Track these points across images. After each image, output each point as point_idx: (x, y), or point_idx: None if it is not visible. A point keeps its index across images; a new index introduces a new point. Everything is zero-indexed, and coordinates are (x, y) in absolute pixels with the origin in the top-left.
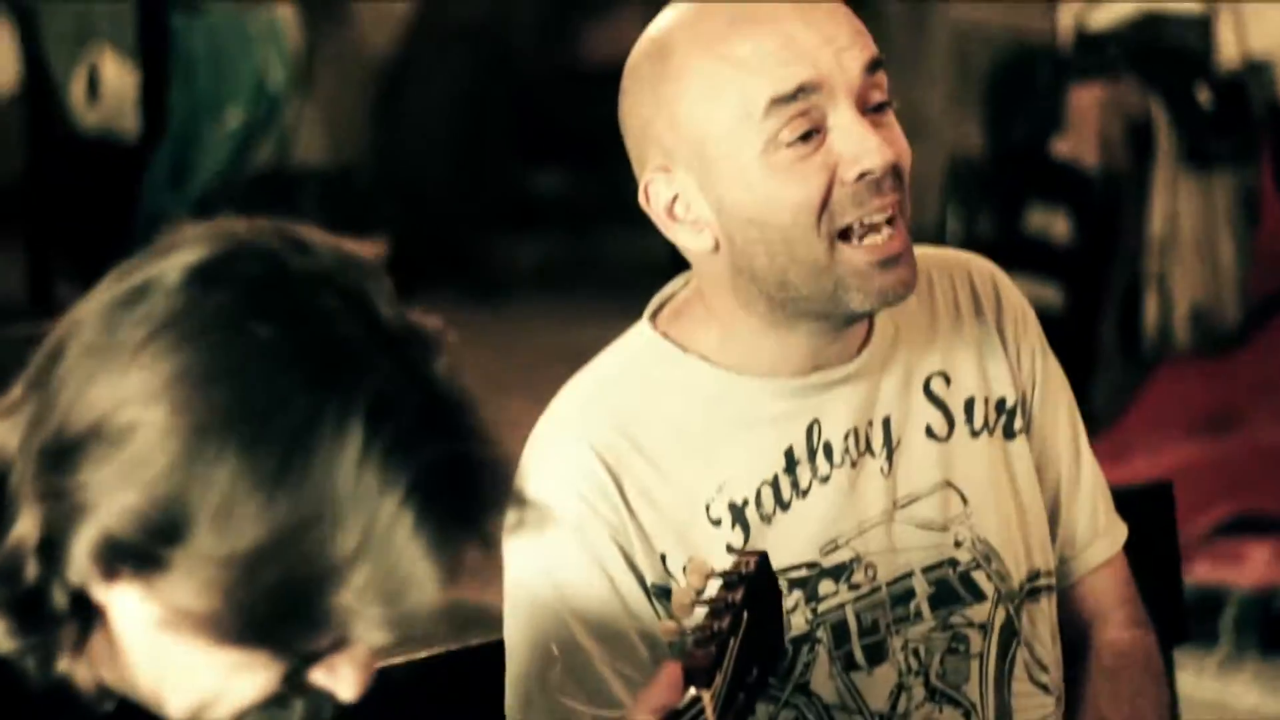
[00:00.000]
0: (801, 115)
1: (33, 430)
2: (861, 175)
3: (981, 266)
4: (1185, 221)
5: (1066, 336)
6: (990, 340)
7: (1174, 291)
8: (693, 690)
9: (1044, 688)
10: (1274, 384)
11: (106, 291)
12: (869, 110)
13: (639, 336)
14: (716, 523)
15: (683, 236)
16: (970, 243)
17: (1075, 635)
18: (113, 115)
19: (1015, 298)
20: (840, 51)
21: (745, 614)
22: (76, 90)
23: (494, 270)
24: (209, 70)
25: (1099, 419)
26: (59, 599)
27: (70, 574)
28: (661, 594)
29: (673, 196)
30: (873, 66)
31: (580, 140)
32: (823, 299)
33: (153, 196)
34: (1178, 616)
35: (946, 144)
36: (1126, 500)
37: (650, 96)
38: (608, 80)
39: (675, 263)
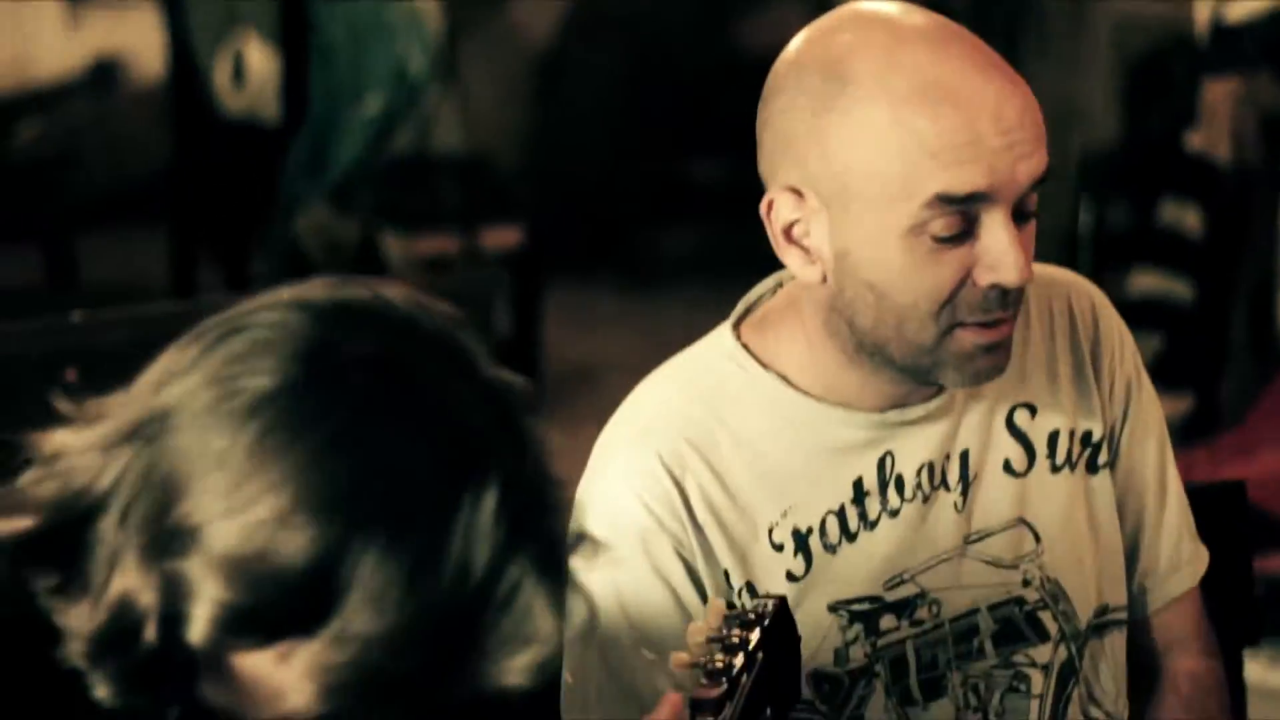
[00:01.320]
0: (960, 216)
1: (140, 490)
2: (994, 285)
3: (1082, 290)
4: None
5: (1197, 330)
6: (1083, 370)
7: None
8: None
9: None
10: None
11: (210, 352)
12: (1019, 219)
13: (720, 344)
14: (779, 548)
15: (792, 259)
16: (1102, 234)
17: (1148, 663)
18: (256, 101)
19: (1114, 323)
20: (1019, 160)
21: (760, 654)
22: (221, 76)
23: (648, 258)
24: (349, 57)
25: (1228, 414)
26: (175, 661)
27: (192, 639)
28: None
29: (795, 220)
30: (1039, 181)
31: (737, 129)
32: (915, 368)
33: (291, 182)
34: (1250, 618)
35: (1093, 135)
36: (1200, 498)
37: (808, 114)
38: (765, 70)
39: None
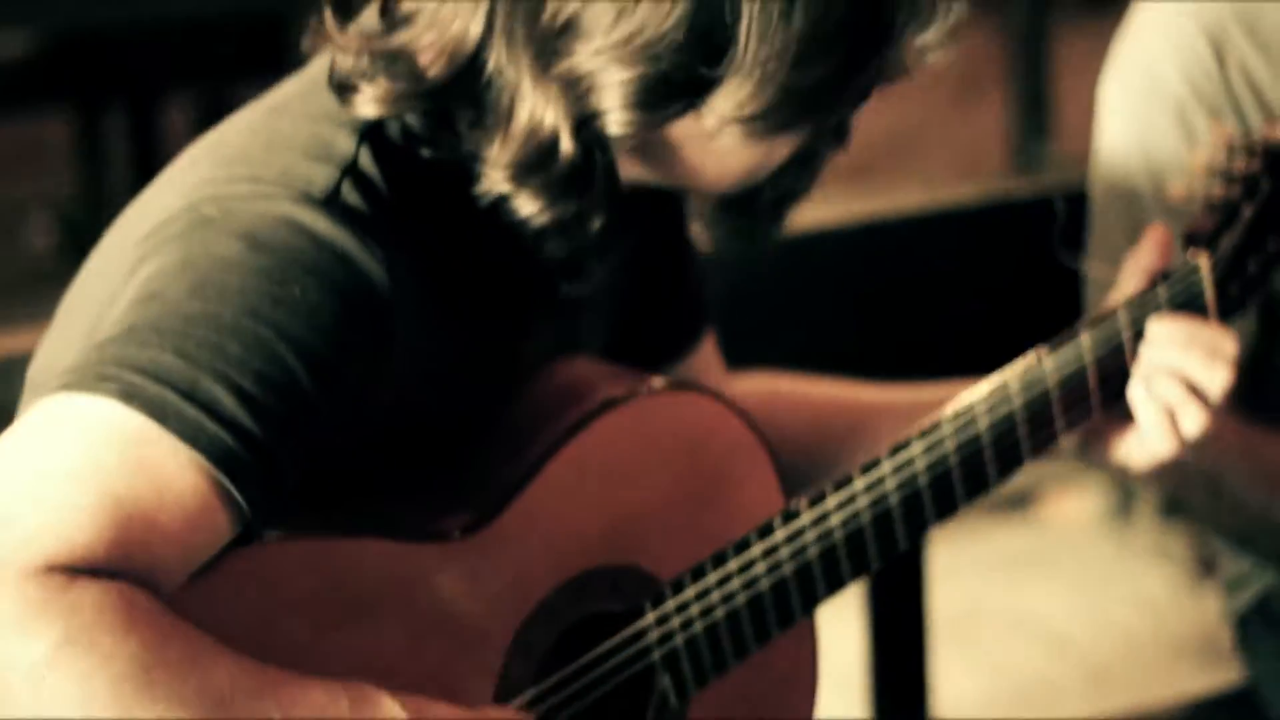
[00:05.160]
0: None
1: (519, 10)
2: None
3: None
4: None
5: None
6: None
7: None
8: (1191, 253)
9: None
10: None
11: None
12: None
13: None
14: None
15: None
16: None
17: None
18: None
19: None
20: None
21: (1263, 183)
22: None
23: None
24: None
25: None
26: (595, 168)
27: (612, 130)
28: None
29: None
30: None
31: None
32: None
33: None
34: None
35: None
36: None
37: None
38: None
39: None
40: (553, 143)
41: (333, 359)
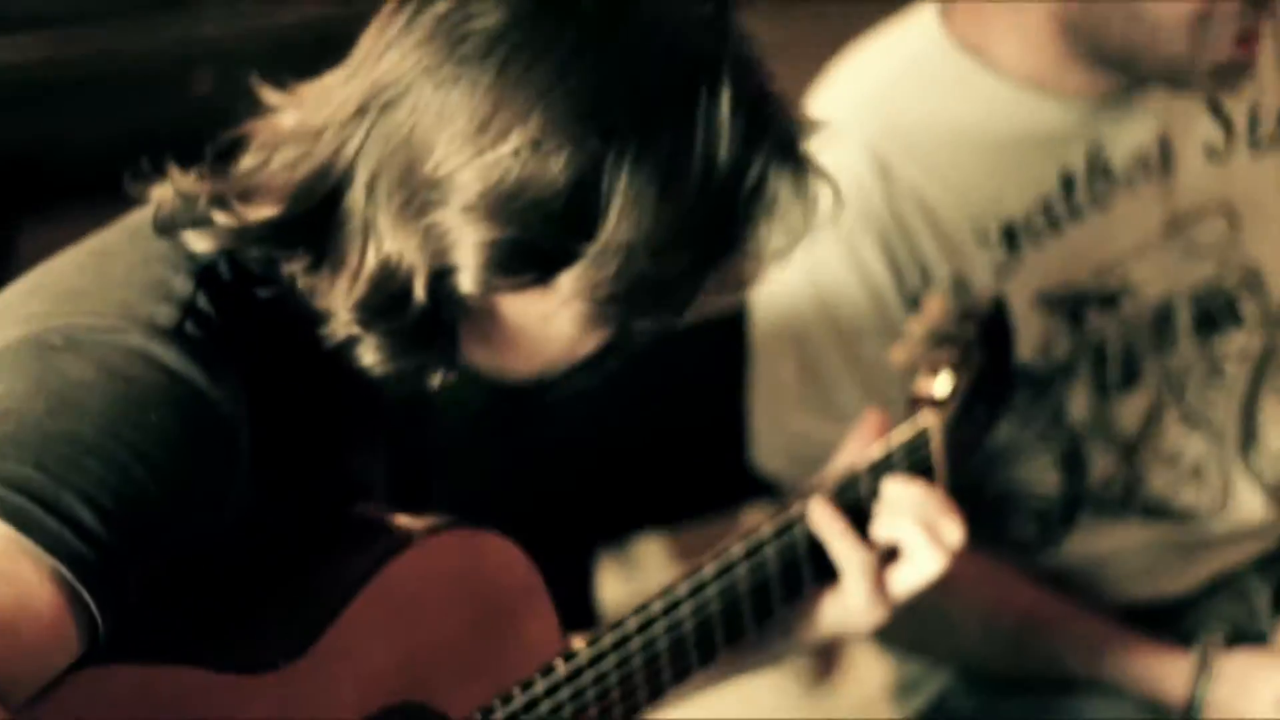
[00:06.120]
0: None
1: (385, 157)
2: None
3: None
4: None
5: None
6: None
7: None
8: (919, 418)
9: None
10: None
11: (421, 13)
12: None
13: (927, 32)
14: (986, 238)
15: None
16: None
17: None
18: None
19: None
20: None
21: (975, 351)
22: None
23: None
24: None
25: None
26: (444, 320)
27: (464, 288)
28: (915, 304)
29: None
30: None
31: None
32: (1160, 77)
33: None
34: None
35: None
36: None
37: None
38: None
39: None
40: (405, 290)
41: (185, 484)
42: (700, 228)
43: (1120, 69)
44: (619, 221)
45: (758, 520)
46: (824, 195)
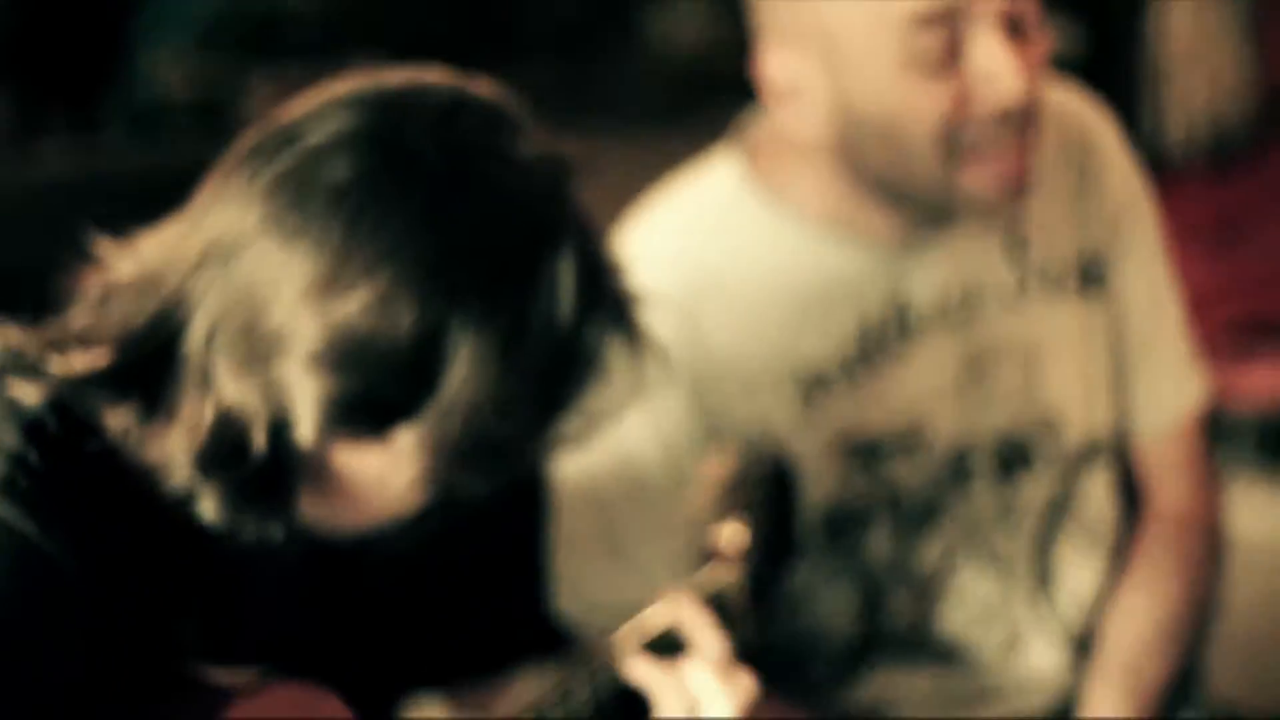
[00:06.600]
0: (944, 34)
1: (226, 308)
2: (995, 107)
3: (1081, 110)
4: (1187, 34)
5: None
6: (1077, 192)
7: (1176, 104)
8: (715, 568)
9: (1095, 549)
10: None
11: (267, 166)
12: (1016, 29)
13: (729, 176)
14: (785, 385)
15: (789, 116)
16: None
17: (1140, 494)
18: None
19: (1112, 145)
20: None
21: (766, 501)
22: None
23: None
24: None
25: None
26: (283, 471)
27: (302, 439)
28: (710, 452)
29: (790, 77)
30: None
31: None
32: (930, 204)
33: (148, 33)
34: None
35: None
36: None
37: None
38: None
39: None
40: (244, 440)
41: (22, 644)
42: (538, 388)
43: (895, 200)
44: (460, 378)
45: (561, 674)
46: (654, 359)
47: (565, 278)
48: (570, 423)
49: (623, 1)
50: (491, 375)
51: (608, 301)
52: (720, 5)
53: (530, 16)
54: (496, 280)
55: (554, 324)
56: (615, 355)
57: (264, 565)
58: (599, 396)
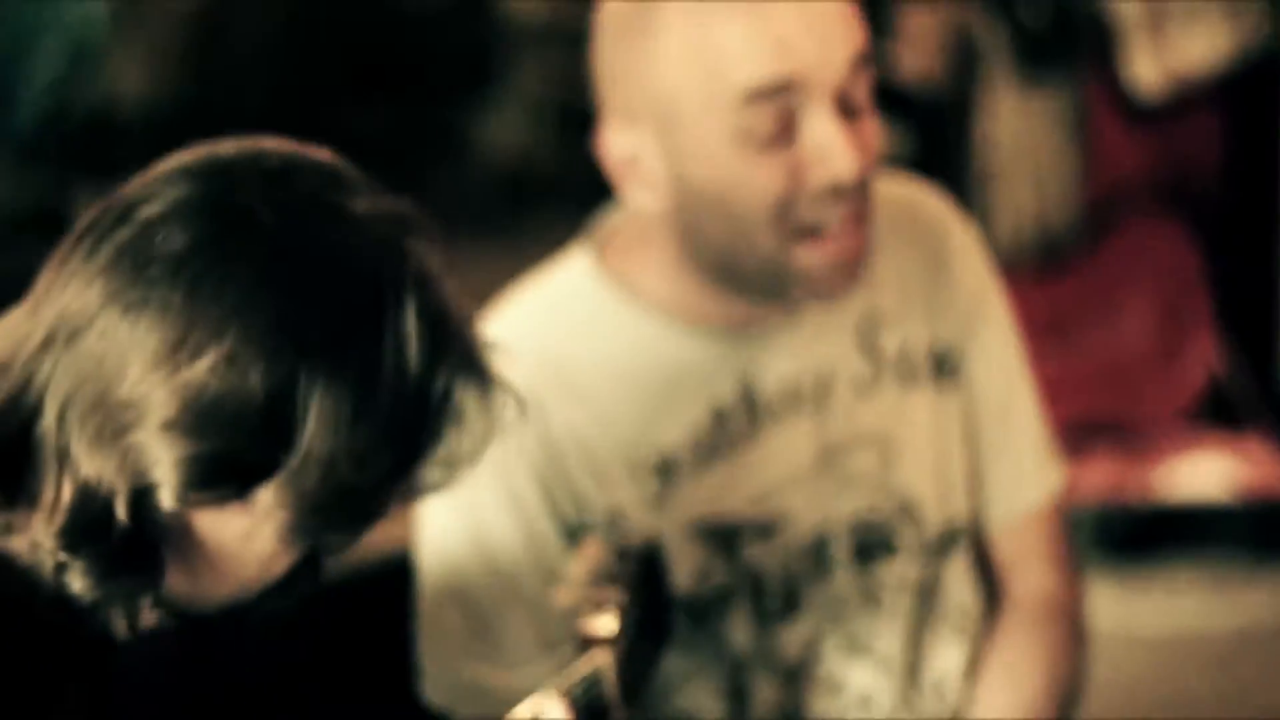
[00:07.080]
0: (777, 112)
1: (75, 386)
2: (828, 183)
3: (932, 202)
4: (1014, 137)
5: None
6: (929, 283)
7: (1004, 206)
8: (589, 658)
9: (958, 636)
10: (1105, 295)
11: (103, 243)
12: (849, 109)
13: (579, 269)
14: (639, 471)
15: (631, 191)
16: None
17: (999, 581)
18: None
19: (963, 238)
20: (825, 44)
21: (635, 588)
22: None
23: None
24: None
25: None
26: (148, 540)
27: (164, 503)
28: (577, 537)
29: (627, 151)
30: (859, 60)
31: (404, 78)
32: (767, 283)
33: None
34: None
35: None
36: None
37: (624, 45)
38: (429, 21)
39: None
40: (107, 513)
41: None
42: (393, 438)
43: (736, 284)
44: (316, 433)
45: None
46: (506, 405)
47: (411, 328)
48: (429, 470)
49: (445, 110)
50: (345, 427)
51: (456, 349)
52: (543, 109)
53: (356, 125)
54: (342, 334)
55: (403, 374)
56: (468, 401)
57: (142, 666)
58: (455, 442)
